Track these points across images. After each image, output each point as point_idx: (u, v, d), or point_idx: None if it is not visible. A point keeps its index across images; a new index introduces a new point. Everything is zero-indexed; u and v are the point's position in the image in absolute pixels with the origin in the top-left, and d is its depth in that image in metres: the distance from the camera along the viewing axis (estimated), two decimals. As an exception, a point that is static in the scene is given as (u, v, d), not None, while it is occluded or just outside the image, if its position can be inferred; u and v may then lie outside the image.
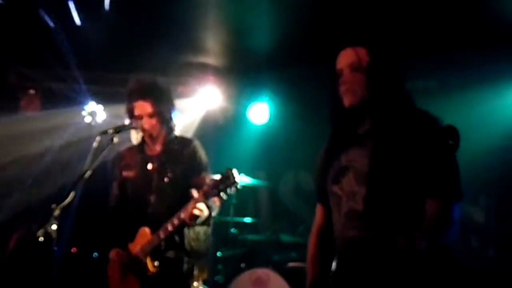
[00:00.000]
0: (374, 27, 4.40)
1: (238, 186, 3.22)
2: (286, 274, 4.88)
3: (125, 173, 3.68)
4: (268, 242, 5.45)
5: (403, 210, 2.20)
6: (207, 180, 3.32)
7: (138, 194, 3.59)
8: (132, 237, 3.51)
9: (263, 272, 4.93)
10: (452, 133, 2.26)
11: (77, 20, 4.78)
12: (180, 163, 3.59)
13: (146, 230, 3.47)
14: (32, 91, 5.36)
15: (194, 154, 3.63)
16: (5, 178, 4.44)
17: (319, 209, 2.54)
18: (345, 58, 2.37)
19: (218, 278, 5.19)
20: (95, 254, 4.29)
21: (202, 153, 3.65)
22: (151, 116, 3.57)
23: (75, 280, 4.63)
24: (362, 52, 2.35)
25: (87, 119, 5.00)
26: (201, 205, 3.31)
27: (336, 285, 2.34)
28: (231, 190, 3.23)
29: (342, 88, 2.35)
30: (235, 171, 3.23)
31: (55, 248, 3.14)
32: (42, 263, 3.60)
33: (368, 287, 2.22)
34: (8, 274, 4.45)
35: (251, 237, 5.50)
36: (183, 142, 3.68)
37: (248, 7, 4.63)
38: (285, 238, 5.49)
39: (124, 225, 3.59)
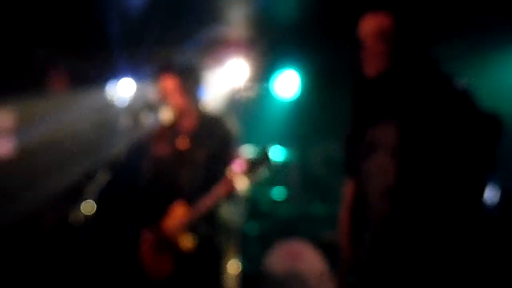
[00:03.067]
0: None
1: (272, 167, 3.21)
2: (319, 245, 4.87)
3: (156, 151, 3.65)
4: (300, 215, 5.43)
5: (434, 184, 2.14)
6: (240, 158, 3.30)
7: (170, 172, 3.57)
8: (164, 215, 3.50)
9: (296, 244, 4.93)
10: (493, 122, 2.17)
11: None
12: (212, 139, 3.55)
13: (180, 207, 3.45)
14: (59, 70, 5.34)
15: (226, 130, 3.58)
16: (37, 161, 4.45)
17: (349, 184, 2.49)
18: (367, 26, 2.29)
19: (251, 252, 5.18)
20: (128, 233, 4.30)
21: (234, 129, 3.60)
22: (176, 90, 3.52)
23: (108, 259, 4.66)
24: (385, 18, 2.25)
25: (115, 98, 4.97)
26: (234, 183, 3.29)
27: (371, 261, 2.31)
28: (264, 171, 3.22)
29: (365, 58, 2.28)
30: (270, 151, 3.20)
31: (88, 228, 3.17)
32: (76, 244, 3.62)
33: (403, 264, 2.19)
34: (44, 253, 4.51)
35: (282, 210, 5.47)
36: (215, 118, 3.62)
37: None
38: (317, 210, 5.46)
39: (156, 203, 3.58)
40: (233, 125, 3.60)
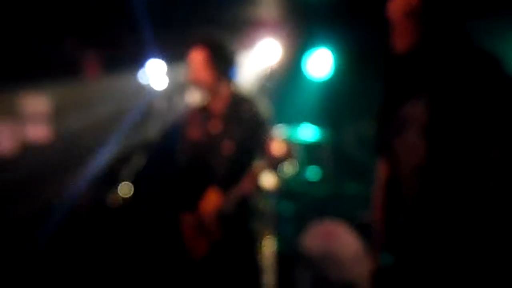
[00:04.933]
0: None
1: (295, 163, 3.21)
2: (354, 226, 4.85)
3: (189, 135, 3.63)
4: (334, 195, 5.40)
5: (465, 162, 2.10)
6: (269, 148, 3.26)
7: (204, 156, 3.54)
8: (200, 198, 3.50)
9: (331, 224, 4.92)
10: None
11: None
12: (244, 122, 3.49)
13: (213, 193, 3.45)
14: (91, 56, 5.38)
15: (257, 113, 3.52)
16: (73, 146, 4.51)
17: (382, 163, 2.46)
18: (395, 3, 2.25)
19: (287, 233, 5.19)
20: (164, 215, 4.34)
21: (266, 111, 3.55)
22: (205, 65, 3.45)
23: (145, 240, 4.72)
24: None
25: (148, 81, 4.98)
26: (260, 179, 3.29)
27: (404, 239, 2.28)
28: (288, 166, 3.21)
29: (393, 35, 2.25)
30: (294, 147, 3.20)
31: (126, 210, 3.21)
32: (113, 225, 3.69)
33: (436, 242, 2.16)
34: (81, 236, 4.58)
35: (316, 190, 5.46)
36: (246, 100, 3.56)
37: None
38: (351, 190, 5.43)
39: (192, 187, 3.58)
40: (265, 108, 3.55)
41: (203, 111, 3.60)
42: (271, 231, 4.20)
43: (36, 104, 5.11)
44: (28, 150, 4.90)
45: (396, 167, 2.32)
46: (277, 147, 3.19)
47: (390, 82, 2.39)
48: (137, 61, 5.23)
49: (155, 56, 5.21)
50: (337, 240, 4.82)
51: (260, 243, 3.69)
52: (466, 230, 2.11)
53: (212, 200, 3.44)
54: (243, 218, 3.47)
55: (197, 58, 3.47)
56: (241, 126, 3.48)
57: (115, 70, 5.13)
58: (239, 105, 3.53)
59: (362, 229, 4.81)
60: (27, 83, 4.84)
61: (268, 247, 4.10)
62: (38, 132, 5.02)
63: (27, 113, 5.04)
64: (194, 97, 3.58)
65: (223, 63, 3.49)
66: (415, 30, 2.21)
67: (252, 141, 3.45)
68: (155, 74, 5.04)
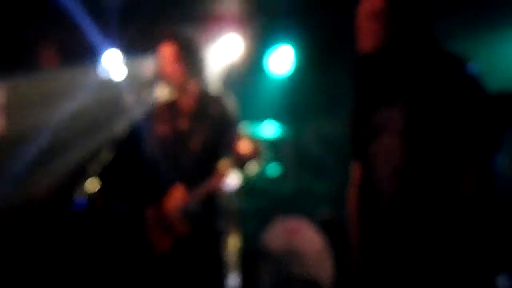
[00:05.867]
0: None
1: (264, 161, 3.23)
2: (316, 222, 4.88)
3: (157, 131, 3.58)
4: (295, 192, 5.42)
5: (441, 165, 2.13)
6: (236, 147, 3.26)
7: (171, 153, 3.51)
8: (165, 194, 3.46)
9: (294, 221, 4.93)
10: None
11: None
12: (211, 120, 3.48)
13: (178, 190, 3.42)
14: (50, 46, 5.22)
15: (225, 112, 3.51)
16: (32, 139, 4.37)
17: (356, 167, 2.47)
18: (362, 5, 2.26)
19: (249, 229, 5.18)
20: (130, 209, 4.28)
21: (232, 110, 3.54)
22: (174, 60, 3.43)
23: (111, 234, 4.64)
24: None
25: (110, 75, 4.87)
26: (226, 178, 3.29)
27: (379, 242, 2.29)
28: (255, 165, 3.23)
29: (358, 36, 2.25)
30: (263, 147, 3.21)
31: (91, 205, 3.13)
32: (79, 221, 3.62)
33: (411, 244, 2.18)
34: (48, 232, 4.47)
35: (278, 187, 5.46)
36: (214, 97, 3.54)
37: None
38: (313, 187, 5.46)
39: (158, 183, 3.53)
40: (233, 106, 3.54)
41: (171, 107, 3.56)
42: (235, 228, 4.19)
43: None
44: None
45: (371, 171, 2.32)
46: (244, 146, 3.19)
47: (360, 85, 2.39)
48: (96, 53, 5.12)
49: (113, 47, 5.10)
50: (300, 237, 4.83)
51: (225, 240, 3.67)
52: (441, 234, 2.13)
53: (177, 197, 3.42)
54: (208, 215, 3.45)
55: (167, 52, 3.44)
56: (209, 123, 3.47)
57: (73, 61, 4.99)
58: (207, 102, 3.51)
59: (324, 226, 4.84)
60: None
61: (233, 244, 4.09)
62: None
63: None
64: (161, 92, 3.52)
65: (192, 59, 3.48)
66: (378, 32, 2.21)
67: (220, 139, 3.45)
68: (113, 65, 4.94)
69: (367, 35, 2.23)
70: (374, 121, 2.28)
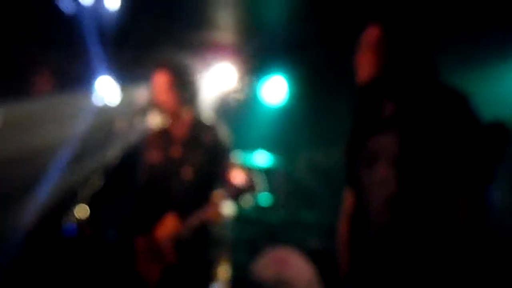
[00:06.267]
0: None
1: (257, 194, 3.23)
2: (306, 253, 4.86)
3: (149, 158, 3.57)
4: (286, 221, 5.41)
5: (435, 195, 2.15)
6: (231, 177, 3.26)
7: (163, 181, 3.48)
8: (157, 222, 3.43)
9: (284, 251, 4.90)
10: (499, 130, 2.20)
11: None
12: (204, 150, 3.47)
13: (171, 218, 3.39)
14: (43, 71, 5.23)
15: (218, 140, 3.50)
16: (23, 164, 4.34)
17: (349, 194, 2.48)
18: (362, 36, 2.33)
19: (239, 258, 5.14)
20: (112, 236, 4.24)
21: (226, 139, 3.53)
22: (168, 88, 3.44)
23: (100, 263, 4.59)
24: (374, 28, 2.29)
25: (104, 100, 4.88)
26: (220, 209, 3.27)
27: (369, 271, 2.30)
28: (249, 197, 3.22)
29: (356, 66, 2.32)
30: (258, 178, 3.21)
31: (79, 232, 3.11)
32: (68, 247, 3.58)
33: (403, 274, 2.18)
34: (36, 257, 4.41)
35: (269, 216, 5.44)
36: (207, 126, 3.54)
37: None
38: (304, 217, 5.44)
39: (149, 210, 3.51)
40: (226, 135, 3.55)
41: (164, 135, 3.55)
42: (225, 257, 4.16)
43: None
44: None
45: (364, 199, 2.33)
46: (239, 177, 3.18)
47: (358, 113, 2.42)
48: (92, 79, 5.14)
49: (106, 74, 5.12)
50: (290, 267, 4.80)
51: (215, 269, 3.64)
52: (431, 267, 2.13)
53: (169, 225, 3.38)
54: (199, 244, 3.42)
55: (161, 81, 3.46)
56: (202, 152, 3.46)
57: (67, 87, 5.00)
58: (200, 130, 3.51)
59: (314, 256, 4.82)
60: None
61: (223, 273, 4.05)
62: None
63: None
64: (155, 120, 3.52)
65: (186, 88, 3.48)
66: (377, 61, 2.26)
67: (213, 168, 3.43)
68: (106, 91, 4.95)
69: (364, 65, 2.29)
70: (369, 148, 2.30)
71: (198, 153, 3.46)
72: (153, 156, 3.55)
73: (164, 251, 3.37)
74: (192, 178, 3.44)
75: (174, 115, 3.50)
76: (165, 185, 3.47)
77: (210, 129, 3.52)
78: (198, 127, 3.52)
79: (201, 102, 3.63)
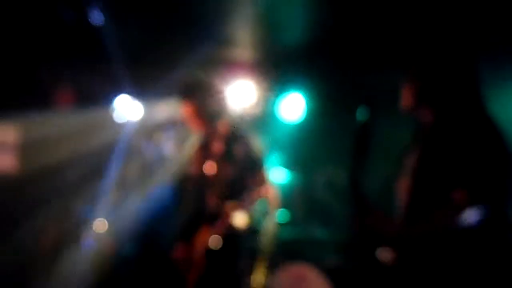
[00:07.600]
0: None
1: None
2: (323, 270, 4.85)
3: (186, 173, 3.69)
4: (302, 238, 5.40)
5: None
6: (264, 192, 3.34)
7: (199, 192, 3.60)
8: (195, 233, 3.56)
9: (301, 268, 4.90)
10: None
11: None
12: (236, 165, 3.56)
13: (203, 232, 3.49)
14: (65, 87, 5.32)
15: (249, 151, 3.59)
16: (43, 177, 4.41)
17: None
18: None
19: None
20: (131, 251, 4.26)
21: (257, 149, 3.61)
22: (194, 116, 3.56)
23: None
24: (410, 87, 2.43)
25: (124, 117, 4.95)
26: (232, 220, 3.38)
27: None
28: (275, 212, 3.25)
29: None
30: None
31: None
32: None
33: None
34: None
35: (285, 233, 5.44)
36: (242, 138, 3.65)
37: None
38: (320, 234, 5.44)
39: (186, 222, 3.61)
40: (255, 145, 3.62)
41: (202, 152, 3.68)
42: (261, 267, 4.20)
43: (4, 133, 5.02)
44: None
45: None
46: (272, 193, 3.30)
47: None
48: (110, 96, 5.21)
49: (125, 92, 5.20)
50: (306, 284, 4.80)
51: (247, 278, 3.71)
52: (446, 275, 2.19)
53: (202, 237, 3.50)
54: (229, 254, 3.49)
55: (186, 111, 3.59)
56: (234, 168, 3.54)
57: (88, 103, 5.08)
58: (234, 142, 3.59)
59: (331, 274, 4.81)
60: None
61: (257, 282, 4.10)
62: (5, 162, 4.91)
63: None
64: (187, 138, 3.65)
65: (211, 110, 3.58)
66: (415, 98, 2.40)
67: (244, 182, 3.51)
68: (125, 109, 5.03)
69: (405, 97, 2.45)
70: (404, 163, 2.45)
71: (231, 169, 3.53)
72: (190, 171, 3.66)
73: (198, 262, 3.45)
74: (226, 191, 3.53)
75: (208, 133, 3.61)
76: (202, 197, 3.60)
77: (243, 139, 3.60)
78: (232, 138, 3.61)
79: (231, 113, 3.75)
